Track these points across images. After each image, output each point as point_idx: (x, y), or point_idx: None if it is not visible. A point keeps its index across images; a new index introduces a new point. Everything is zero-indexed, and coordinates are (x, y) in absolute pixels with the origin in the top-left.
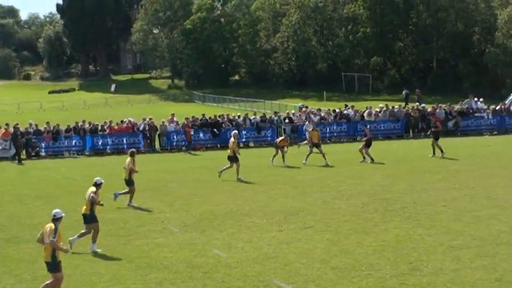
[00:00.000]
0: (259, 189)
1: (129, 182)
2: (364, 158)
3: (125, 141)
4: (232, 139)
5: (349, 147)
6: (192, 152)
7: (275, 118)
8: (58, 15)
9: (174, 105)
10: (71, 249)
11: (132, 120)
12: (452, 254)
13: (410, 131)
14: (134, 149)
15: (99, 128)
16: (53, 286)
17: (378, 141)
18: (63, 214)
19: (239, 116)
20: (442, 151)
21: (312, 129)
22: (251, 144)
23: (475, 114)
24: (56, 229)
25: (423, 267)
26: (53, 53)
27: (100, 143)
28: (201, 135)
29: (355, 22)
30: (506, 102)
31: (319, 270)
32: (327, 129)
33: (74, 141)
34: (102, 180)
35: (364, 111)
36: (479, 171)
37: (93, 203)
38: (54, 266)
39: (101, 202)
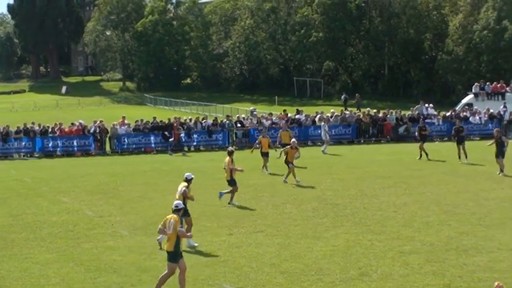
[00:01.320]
0: (210, 193)
1: (231, 182)
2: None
3: (75, 143)
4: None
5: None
6: (143, 154)
7: (226, 122)
8: (9, 16)
9: (125, 107)
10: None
11: (82, 122)
12: (401, 259)
13: (362, 136)
14: (232, 148)
15: (50, 130)
16: (169, 276)
17: (329, 146)
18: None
19: (190, 120)
20: (427, 154)
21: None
22: (202, 148)
23: (426, 120)
24: (180, 219)
25: (372, 272)
26: (3, 54)
27: (50, 145)
28: (152, 138)
29: (308, 27)
30: (457, 108)
31: (269, 275)
32: (278, 134)
33: (23, 143)
34: (193, 176)
35: (316, 116)
36: (430, 177)
37: (185, 197)
38: (175, 256)
39: (193, 197)
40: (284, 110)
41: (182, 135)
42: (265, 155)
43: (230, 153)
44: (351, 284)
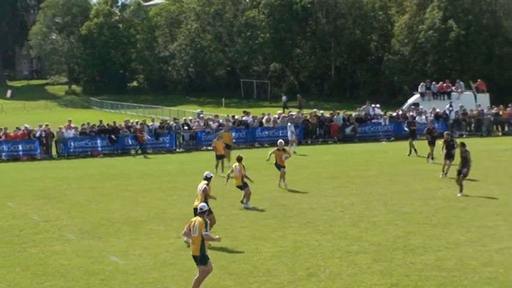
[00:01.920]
0: (157, 196)
1: (242, 186)
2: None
3: (20, 147)
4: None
5: (248, 154)
6: (90, 158)
7: (173, 125)
8: None
9: (71, 111)
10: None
11: (28, 126)
12: (349, 259)
13: (309, 137)
14: (241, 155)
15: None
16: (203, 278)
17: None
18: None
19: (137, 123)
20: (415, 151)
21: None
22: (149, 150)
23: (373, 121)
24: (206, 222)
25: (320, 272)
26: None
27: None
28: (98, 141)
29: (254, 28)
30: (404, 108)
31: (217, 277)
32: (219, 134)
33: None
34: (212, 174)
35: (263, 117)
36: (377, 176)
37: (206, 195)
38: (203, 258)
39: (214, 196)
40: (201, 112)
41: (146, 138)
42: (220, 157)
43: (239, 160)
44: (299, 285)
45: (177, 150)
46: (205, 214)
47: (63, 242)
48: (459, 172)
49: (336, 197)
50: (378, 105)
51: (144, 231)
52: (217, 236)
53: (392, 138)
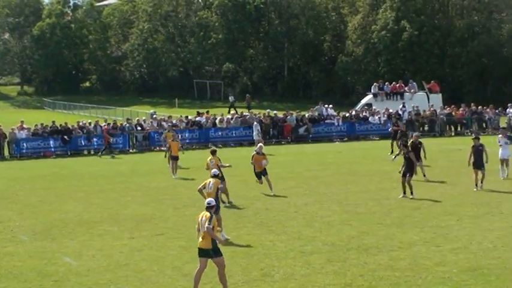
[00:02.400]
0: (111, 197)
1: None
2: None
3: None
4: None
5: (201, 155)
6: (42, 159)
7: (127, 125)
8: None
9: (24, 112)
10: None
11: None
12: (303, 259)
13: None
14: (215, 148)
15: None
16: (224, 269)
17: (230, 148)
18: (215, 203)
19: (90, 123)
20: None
21: (172, 140)
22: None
23: (326, 121)
24: (211, 217)
25: (274, 273)
26: None
27: None
28: (51, 142)
29: (207, 29)
30: (357, 108)
31: (171, 278)
32: (178, 136)
33: None
34: (218, 172)
35: (216, 118)
36: (330, 177)
37: (220, 191)
38: (217, 251)
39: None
40: (207, 111)
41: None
42: (174, 158)
43: (213, 153)
44: (253, 285)
45: (130, 150)
46: (213, 209)
47: (16, 243)
48: (404, 174)
49: (290, 198)
50: (331, 106)
51: (98, 232)
52: (219, 228)
53: (346, 139)
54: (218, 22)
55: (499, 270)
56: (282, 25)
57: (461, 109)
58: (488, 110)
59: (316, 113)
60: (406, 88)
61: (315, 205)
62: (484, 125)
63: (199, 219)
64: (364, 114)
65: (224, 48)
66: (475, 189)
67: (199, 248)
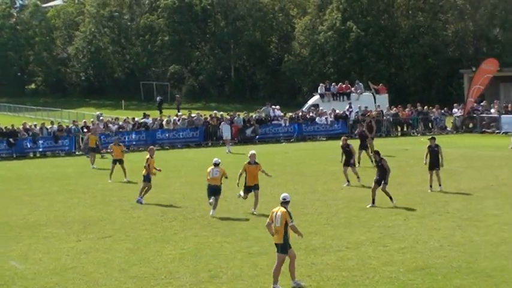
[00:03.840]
0: (57, 199)
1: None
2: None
3: None
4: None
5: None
6: None
7: (73, 127)
8: None
9: None
10: None
11: None
12: (250, 260)
13: (210, 139)
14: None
15: None
16: (280, 265)
17: (177, 149)
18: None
19: (36, 126)
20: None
21: (114, 144)
22: (48, 153)
23: (273, 122)
24: (289, 212)
25: (222, 274)
26: None
27: None
28: None
29: (152, 31)
30: (304, 109)
31: (118, 280)
32: (125, 138)
33: None
34: (219, 160)
35: (163, 119)
36: (277, 178)
37: (226, 177)
38: (284, 247)
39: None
40: (101, 114)
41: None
42: (118, 162)
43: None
44: (201, 287)
45: (76, 153)
46: (288, 204)
47: None
48: (378, 182)
49: (238, 199)
50: (278, 107)
51: (44, 235)
52: (300, 232)
53: (292, 140)
54: (164, 24)
55: (445, 269)
56: (229, 26)
57: (407, 109)
58: (434, 110)
59: (263, 114)
60: (352, 89)
61: (261, 206)
62: (430, 125)
63: (274, 214)
64: (311, 115)
65: (170, 50)
66: (429, 191)
67: (275, 244)
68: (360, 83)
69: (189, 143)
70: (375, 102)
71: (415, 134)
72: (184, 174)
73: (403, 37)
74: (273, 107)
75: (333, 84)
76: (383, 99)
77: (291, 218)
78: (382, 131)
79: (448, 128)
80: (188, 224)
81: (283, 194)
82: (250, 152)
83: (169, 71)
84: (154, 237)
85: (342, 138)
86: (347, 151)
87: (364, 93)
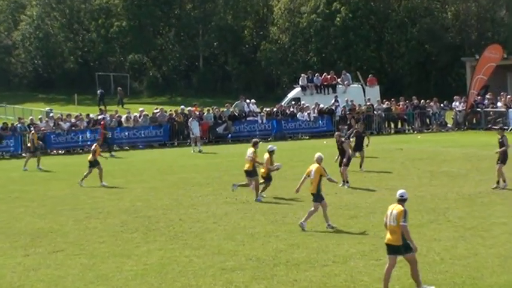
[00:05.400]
0: (1, 208)
1: (252, 173)
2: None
3: None
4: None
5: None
6: None
7: (19, 125)
8: None
9: None
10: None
11: None
12: (224, 277)
13: (175, 138)
14: (257, 139)
15: None
16: (415, 267)
17: (138, 150)
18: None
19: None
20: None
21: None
22: None
23: (248, 118)
24: (405, 212)
25: None
26: None
27: None
28: None
29: (108, 14)
30: (283, 103)
31: None
32: (79, 137)
33: None
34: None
35: (121, 116)
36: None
37: (254, 162)
38: (407, 247)
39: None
40: (50, 109)
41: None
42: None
43: (255, 144)
44: None
45: (23, 154)
46: (405, 202)
47: None
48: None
49: (208, 206)
50: (253, 101)
51: None
52: (415, 245)
53: (270, 138)
54: (122, 6)
55: (447, 286)
56: (196, 9)
57: (401, 103)
58: (432, 103)
59: (237, 110)
60: (339, 80)
61: (236, 214)
62: (427, 121)
63: (389, 212)
64: (291, 110)
65: (129, 36)
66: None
67: (387, 244)
68: (348, 74)
69: (152, 142)
70: (365, 96)
71: (411, 131)
72: (147, 178)
73: (396, 21)
74: (248, 101)
75: (316, 75)
76: (373, 91)
77: (404, 218)
78: (373, 128)
79: (449, 125)
80: (152, 236)
81: (401, 191)
82: (269, 146)
83: (129, 60)
84: (113, 251)
85: (336, 133)
86: (340, 149)
87: (352, 85)
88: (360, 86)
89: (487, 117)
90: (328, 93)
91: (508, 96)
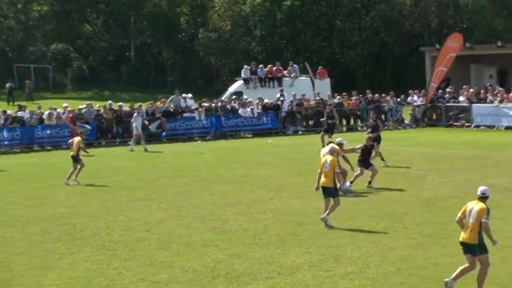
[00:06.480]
0: None
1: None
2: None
3: None
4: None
5: (25, 159)
6: None
7: None
8: None
9: None
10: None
11: None
12: None
13: (103, 137)
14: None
15: None
16: (485, 269)
17: (61, 150)
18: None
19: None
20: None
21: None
22: None
23: (184, 115)
24: (488, 209)
25: None
26: None
27: None
28: None
29: None
30: (224, 98)
31: None
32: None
33: None
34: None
35: (43, 112)
36: (190, 185)
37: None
38: (482, 247)
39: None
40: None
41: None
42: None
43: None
44: None
45: None
46: (487, 200)
47: None
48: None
49: (139, 213)
50: (190, 95)
51: None
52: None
53: (209, 137)
54: None
55: None
56: None
57: (354, 98)
58: (387, 98)
59: (172, 105)
60: (285, 72)
61: (171, 221)
62: (383, 116)
63: (468, 209)
64: (232, 105)
65: (52, 24)
66: None
67: (461, 243)
68: (295, 65)
69: None
70: (314, 89)
71: (365, 128)
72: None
73: (349, 7)
74: (184, 95)
75: (260, 66)
76: (324, 84)
77: (487, 216)
78: (323, 124)
79: (406, 121)
80: (76, 246)
81: (482, 188)
82: (340, 139)
83: (51, 50)
84: (33, 264)
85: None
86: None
87: (299, 78)
88: (308, 78)
89: (448, 112)
90: (274, 87)
91: (471, 90)
